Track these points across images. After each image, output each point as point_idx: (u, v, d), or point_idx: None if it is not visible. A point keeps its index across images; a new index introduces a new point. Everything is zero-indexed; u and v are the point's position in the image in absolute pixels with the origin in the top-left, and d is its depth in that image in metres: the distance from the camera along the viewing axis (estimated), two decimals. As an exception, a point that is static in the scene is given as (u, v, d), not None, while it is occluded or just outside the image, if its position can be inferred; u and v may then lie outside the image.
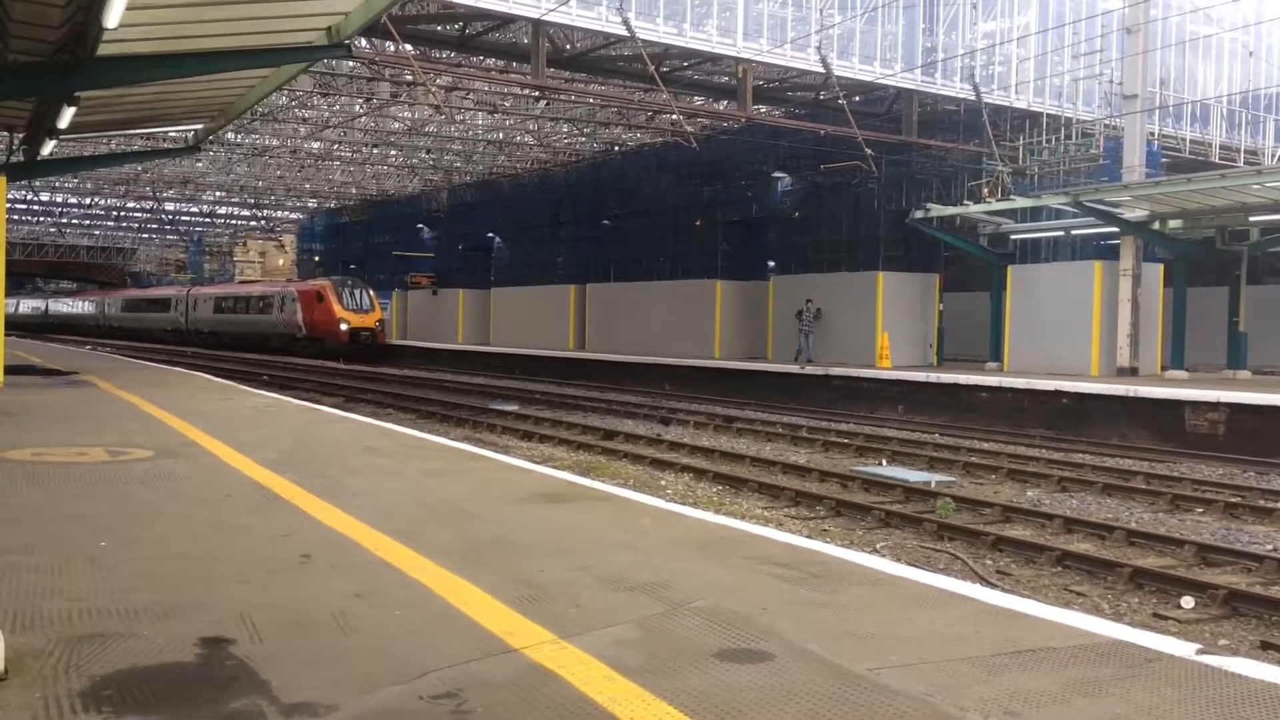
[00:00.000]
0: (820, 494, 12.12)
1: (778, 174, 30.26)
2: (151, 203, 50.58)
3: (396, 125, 32.54)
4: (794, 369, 25.02)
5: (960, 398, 21.23)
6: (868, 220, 27.14)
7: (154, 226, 62.29)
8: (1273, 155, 27.39)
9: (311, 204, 52.76)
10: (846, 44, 21.89)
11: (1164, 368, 22.63)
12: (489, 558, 5.38)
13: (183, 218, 58.79)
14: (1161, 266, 23.32)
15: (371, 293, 42.16)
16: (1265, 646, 7.00)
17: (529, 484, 8.02)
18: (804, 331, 26.13)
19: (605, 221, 37.03)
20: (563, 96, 24.34)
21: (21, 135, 18.00)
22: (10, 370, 19.79)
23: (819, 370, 24.35)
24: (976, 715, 3.36)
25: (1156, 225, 21.94)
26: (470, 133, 33.25)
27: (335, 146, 36.10)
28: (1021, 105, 24.14)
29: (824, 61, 20.74)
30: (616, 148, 34.73)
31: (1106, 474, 14.02)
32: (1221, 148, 26.89)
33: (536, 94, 22.03)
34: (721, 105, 25.92)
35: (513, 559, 5.37)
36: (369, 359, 39.43)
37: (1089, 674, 3.79)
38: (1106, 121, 23.78)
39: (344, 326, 39.99)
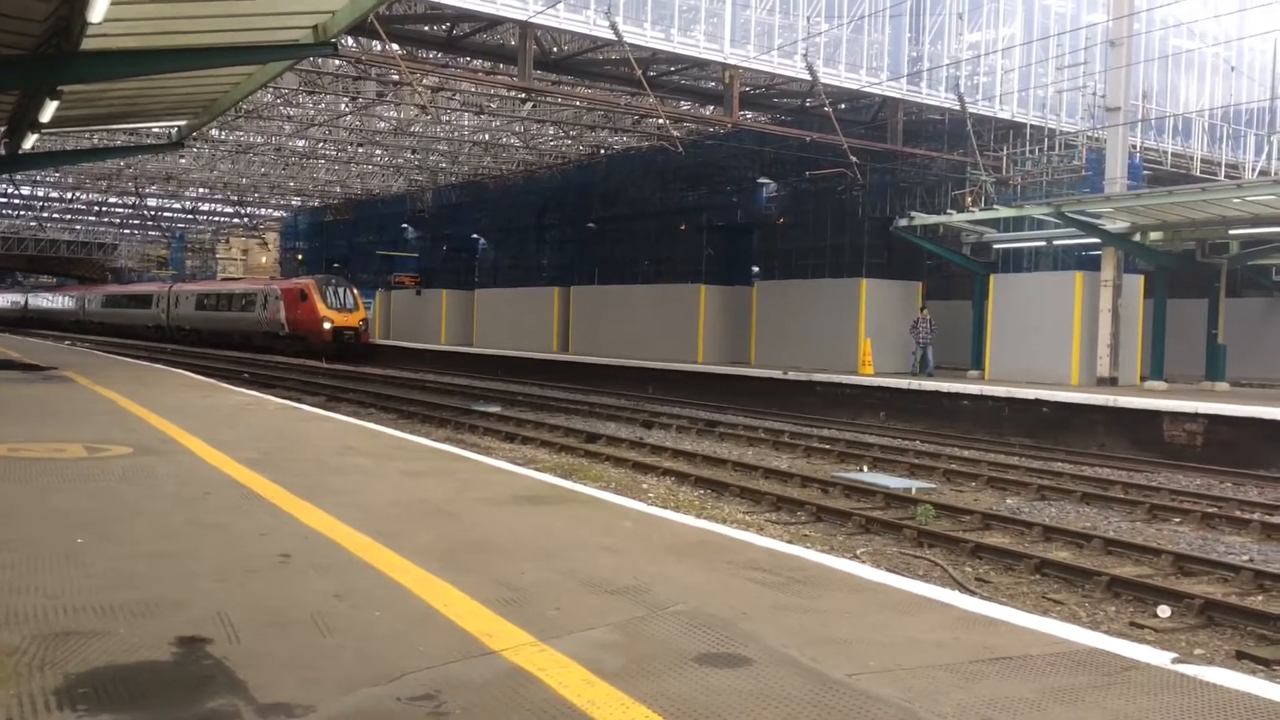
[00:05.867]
0: (801, 499, 12.14)
1: (763, 180, 30.33)
2: (134, 198, 50.27)
3: (382, 125, 32.47)
4: (776, 374, 25.05)
5: (941, 405, 21.32)
6: (852, 227, 27.22)
7: (136, 222, 61.93)
8: (1253, 169, 27.62)
9: (295, 202, 52.55)
10: (833, 52, 21.96)
11: (1143, 378, 22.78)
12: (469, 559, 5.37)
13: (165, 214, 58.45)
14: (1142, 278, 23.49)
15: (355, 291, 42.00)
16: (1240, 656, 7.06)
17: (510, 486, 8.00)
18: (922, 344, 24.76)
19: (590, 224, 37.04)
20: (549, 99, 24.35)
21: (3, 129, 17.88)
22: (-12, 365, 19.63)
23: (801, 376, 24.40)
24: (954, 721, 3.37)
25: (1137, 237, 22.10)
26: (456, 133, 33.20)
27: (320, 145, 35.99)
28: (1005, 116, 24.28)
29: (810, 69, 20.81)
30: (602, 151, 34.74)
31: (1085, 483, 14.11)
32: (1203, 161, 27.11)
33: (523, 96, 22.02)
34: (708, 110, 25.97)
35: (493, 561, 5.36)
36: (352, 358, 39.28)
37: (1066, 682, 3.81)
38: (1089, 133, 23.94)
39: (328, 325, 39.81)
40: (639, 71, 19.84)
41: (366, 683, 3.51)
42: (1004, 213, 22.82)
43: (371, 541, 5.65)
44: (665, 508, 9.27)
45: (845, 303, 26.43)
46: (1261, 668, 6.73)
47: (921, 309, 25.54)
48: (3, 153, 19.20)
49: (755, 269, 31.44)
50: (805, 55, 20.87)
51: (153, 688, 3.41)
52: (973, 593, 8.06)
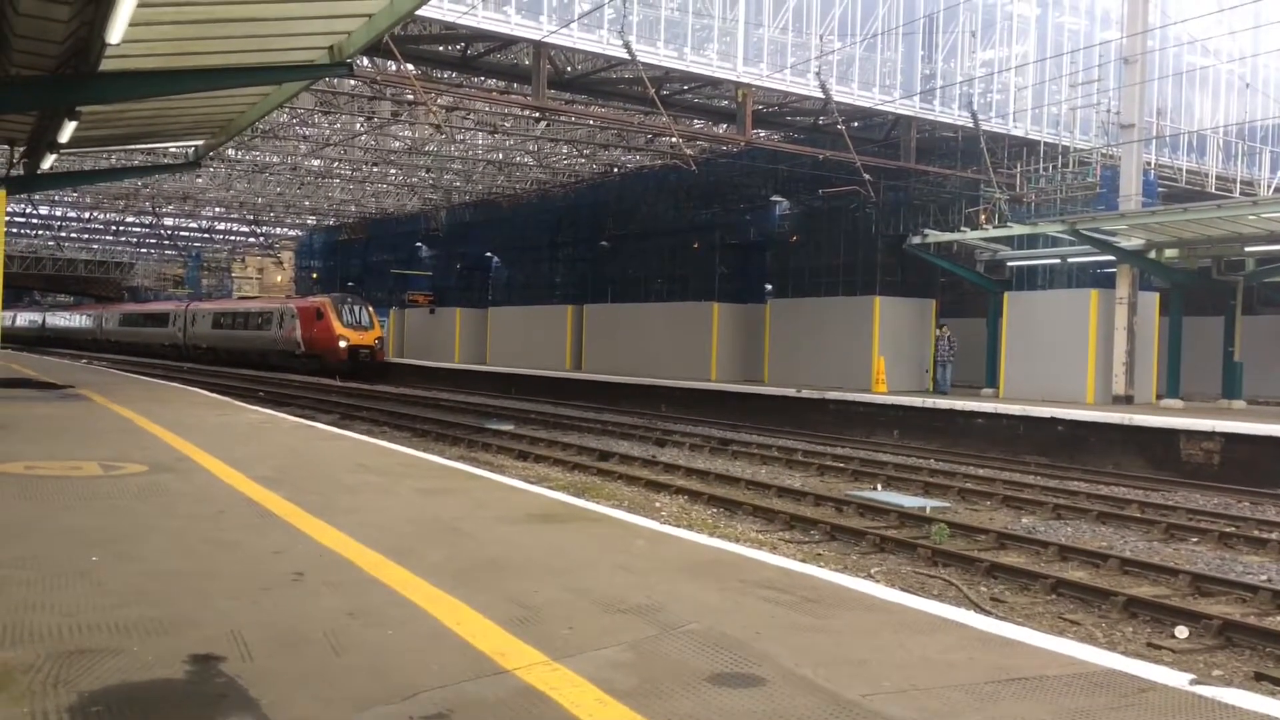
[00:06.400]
0: (815, 518, 12.11)
1: (776, 198, 30.38)
2: (150, 218, 50.65)
3: (397, 144, 32.66)
4: (790, 392, 25.01)
5: (956, 423, 21.24)
6: (865, 245, 27.22)
7: (152, 241, 62.35)
8: (1268, 186, 27.54)
9: (310, 221, 52.87)
10: (846, 70, 22.03)
11: (1159, 396, 22.66)
12: (482, 577, 5.36)
13: (181, 233, 58.87)
14: (1157, 295, 23.41)
15: (370, 310, 42.13)
16: (1259, 678, 6.99)
17: (523, 504, 8.00)
18: (941, 362, 24.91)
19: (603, 242, 37.14)
20: (563, 118, 24.44)
21: (22, 149, 18.06)
22: (5, 383, 19.77)
23: (815, 394, 24.35)
24: (969, 743, 3.34)
25: (1153, 254, 22.03)
26: (470, 152, 33.38)
27: (335, 164, 36.21)
28: (1019, 133, 24.29)
29: (823, 87, 20.87)
30: (616, 169, 34.86)
31: (1101, 502, 14.02)
32: (1218, 178, 27.05)
33: (537, 115, 22.10)
34: (721, 129, 26.04)
35: (506, 579, 5.35)
36: (366, 377, 39.37)
37: (1082, 703, 3.78)
38: (1104, 150, 23.92)
39: (343, 344, 39.92)
40: (652, 90, 19.93)
41: (380, 701, 3.50)
42: (1018, 230, 22.79)
43: (384, 559, 5.65)
44: (678, 526, 9.25)
45: (858, 320, 26.40)
46: (1281, 689, 6.66)
47: (941, 326, 25.49)
48: (22, 173, 19.38)
49: (768, 287, 31.46)
50: (818, 73, 20.93)
51: (166, 706, 3.41)
52: (988, 613, 8.01)
